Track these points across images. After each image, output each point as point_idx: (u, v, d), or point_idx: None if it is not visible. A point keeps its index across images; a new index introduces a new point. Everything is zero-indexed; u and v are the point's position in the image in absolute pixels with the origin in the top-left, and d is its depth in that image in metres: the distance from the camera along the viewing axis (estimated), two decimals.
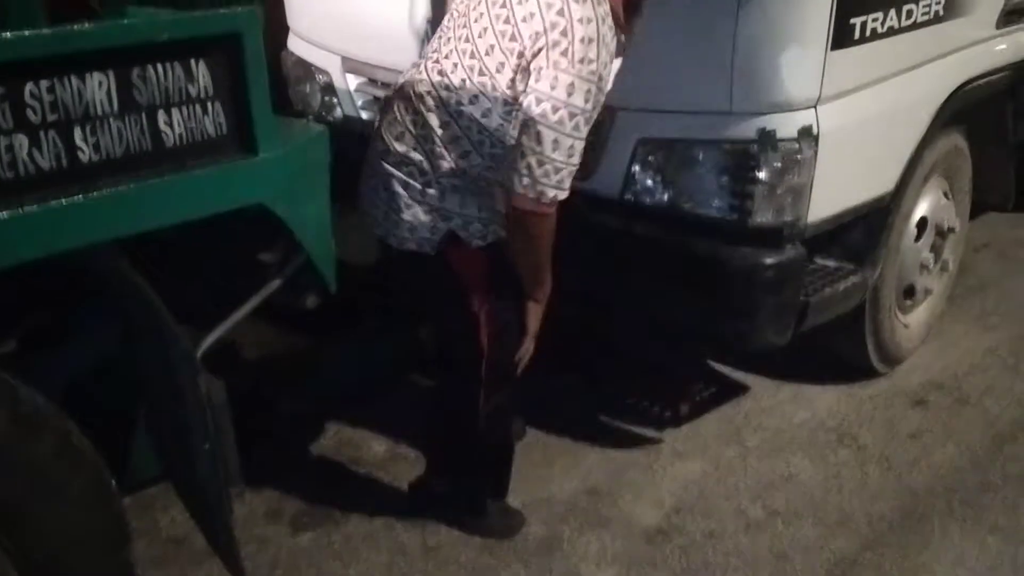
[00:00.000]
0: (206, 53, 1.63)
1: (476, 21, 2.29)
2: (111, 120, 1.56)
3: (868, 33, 2.68)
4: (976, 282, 4.15)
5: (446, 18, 2.47)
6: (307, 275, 2.02)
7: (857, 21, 2.63)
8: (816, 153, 2.65)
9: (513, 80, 2.22)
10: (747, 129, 2.62)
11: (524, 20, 2.19)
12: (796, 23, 2.55)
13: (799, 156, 2.63)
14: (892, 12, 2.74)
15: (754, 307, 2.75)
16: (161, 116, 1.62)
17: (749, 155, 2.63)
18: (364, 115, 3.60)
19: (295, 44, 3.84)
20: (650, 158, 2.80)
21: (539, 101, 2.14)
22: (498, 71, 2.23)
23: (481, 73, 2.26)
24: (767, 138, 2.60)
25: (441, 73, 2.32)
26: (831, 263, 3.05)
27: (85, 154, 1.54)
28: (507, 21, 2.22)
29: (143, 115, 1.60)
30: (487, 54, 2.25)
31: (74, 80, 1.50)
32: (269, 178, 1.75)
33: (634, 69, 2.75)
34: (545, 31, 2.15)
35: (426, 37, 3.19)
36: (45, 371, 1.74)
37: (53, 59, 1.46)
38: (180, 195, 1.65)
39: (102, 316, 1.81)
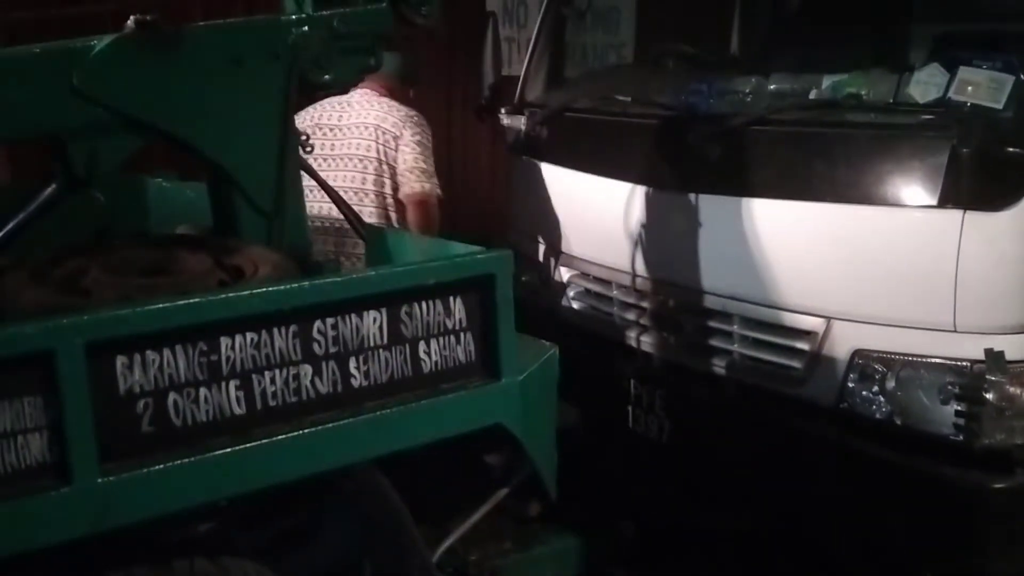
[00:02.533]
0: (463, 291, 1.82)
1: None
2: (380, 350, 1.75)
3: None
4: None
5: None
6: (531, 483, 2.13)
7: None
8: None
9: None
10: (972, 349, 2.57)
11: None
12: (1021, 245, 2.52)
13: None
14: None
15: (982, 536, 2.62)
16: (421, 346, 1.80)
17: (975, 376, 2.57)
18: (573, 304, 3.78)
19: (515, 236, 4.11)
20: (867, 370, 2.78)
21: None
22: None
23: None
24: (995, 360, 2.54)
25: None
26: None
27: (356, 380, 1.73)
28: None
29: (407, 345, 1.78)
30: None
31: (353, 318, 1.70)
32: (509, 400, 1.89)
33: (852, 280, 2.79)
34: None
35: (640, 238, 3.37)
36: (295, 567, 1.90)
37: (339, 302, 1.68)
38: (432, 417, 1.81)
39: (350, 519, 1.97)
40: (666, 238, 3.29)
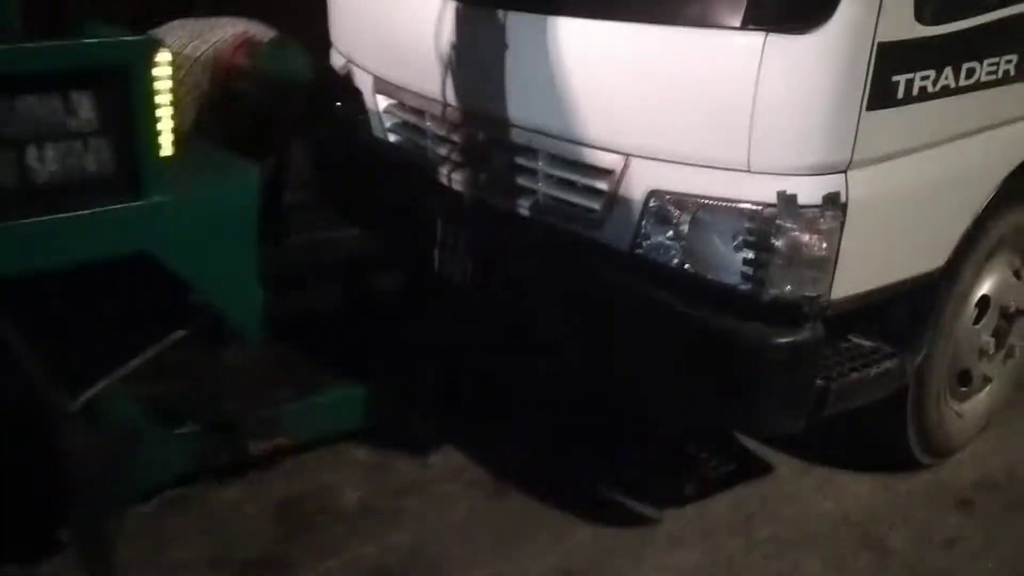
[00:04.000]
0: (88, 85, 1.47)
1: None
2: None
3: (916, 92, 2.36)
4: None
5: None
6: (226, 327, 1.86)
7: (902, 79, 2.31)
8: (844, 223, 2.34)
9: None
10: (765, 191, 2.33)
11: None
12: (825, 77, 2.24)
13: (822, 225, 2.33)
14: (948, 71, 2.40)
15: (763, 389, 2.46)
16: (31, 151, 1.46)
17: (766, 220, 2.34)
18: (391, 136, 3.46)
19: (335, 58, 3.73)
20: (661, 212, 2.55)
21: None
22: None
23: None
24: (787, 203, 2.31)
25: None
26: (867, 343, 2.72)
27: None
28: None
29: (9, 150, 1.45)
30: None
31: None
32: (156, 226, 1.58)
33: (650, 112, 2.51)
34: None
35: (451, 63, 3.03)
36: None
37: None
38: (49, 240, 1.49)
39: None
40: (476, 63, 2.96)
